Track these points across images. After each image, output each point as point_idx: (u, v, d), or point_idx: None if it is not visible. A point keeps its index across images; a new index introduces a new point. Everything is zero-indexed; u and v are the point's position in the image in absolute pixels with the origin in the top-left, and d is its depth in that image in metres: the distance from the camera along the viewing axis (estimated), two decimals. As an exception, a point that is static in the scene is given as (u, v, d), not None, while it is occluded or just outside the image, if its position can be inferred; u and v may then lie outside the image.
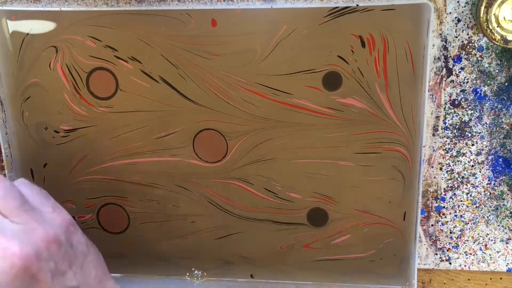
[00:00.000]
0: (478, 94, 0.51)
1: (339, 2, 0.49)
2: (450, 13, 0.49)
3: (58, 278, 0.42)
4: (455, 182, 0.54)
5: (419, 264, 0.56)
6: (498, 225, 0.55)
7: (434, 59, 0.50)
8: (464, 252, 0.56)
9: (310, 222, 0.55)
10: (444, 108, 0.52)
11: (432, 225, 0.55)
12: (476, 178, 0.54)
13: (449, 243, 0.56)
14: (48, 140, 0.55)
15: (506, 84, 0.51)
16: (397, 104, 0.50)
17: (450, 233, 0.55)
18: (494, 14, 0.47)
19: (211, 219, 0.56)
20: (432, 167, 0.54)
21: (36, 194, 0.45)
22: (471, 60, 0.50)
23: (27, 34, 0.52)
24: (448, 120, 0.52)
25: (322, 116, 0.52)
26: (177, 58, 0.51)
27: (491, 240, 0.55)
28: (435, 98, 0.52)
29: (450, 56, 0.50)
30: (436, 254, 0.56)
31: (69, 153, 0.56)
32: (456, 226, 0.55)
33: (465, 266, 0.56)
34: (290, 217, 0.55)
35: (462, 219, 0.55)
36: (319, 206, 0.54)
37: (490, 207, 0.54)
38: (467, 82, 0.51)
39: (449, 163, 0.53)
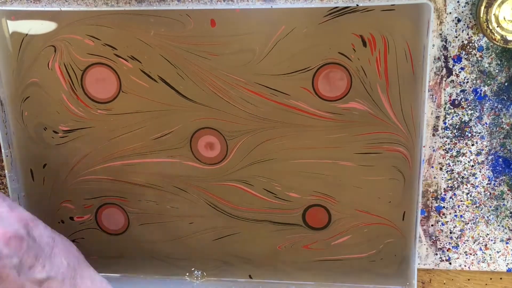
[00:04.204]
0: (478, 94, 0.51)
1: (339, 2, 0.49)
2: (450, 13, 0.49)
3: (26, 273, 0.42)
4: (455, 182, 0.54)
5: (419, 264, 0.56)
6: (498, 225, 0.55)
7: (434, 59, 0.50)
8: (464, 252, 0.56)
9: (310, 224, 0.55)
10: (444, 108, 0.52)
11: (432, 225, 0.55)
12: (476, 178, 0.53)
13: (449, 243, 0.56)
14: (47, 140, 0.55)
15: (506, 84, 0.51)
16: (397, 105, 0.50)
17: (450, 233, 0.55)
18: (494, 14, 0.47)
19: (209, 220, 0.56)
20: (432, 167, 0.54)
21: None
22: (471, 60, 0.50)
23: (27, 34, 0.52)
24: (448, 120, 0.52)
25: (321, 119, 0.52)
26: (176, 58, 0.51)
27: (491, 240, 0.55)
28: (435, 98, 0.52)
29: (450, 56, 0.50)
30: (436, 254, 0.56)
31: (68, 154, 0.56)
32: (456, 226, 0.55)
33: (465, 266, 0.56)
34: (289, 218, 0.55)
35: (462, 219, 0.55)
36: (321, 207, 0.54)
37: (490, 207, 0.54)
38: (467, 82, 0.51)
39: (449, 163, 0.53)
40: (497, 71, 0.50)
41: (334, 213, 0.54)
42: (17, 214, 0.45)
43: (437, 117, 0.52)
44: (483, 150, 0.53)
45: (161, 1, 0.51)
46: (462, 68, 0.50)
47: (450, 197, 0.54)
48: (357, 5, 0.48)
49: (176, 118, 0.53)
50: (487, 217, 0.54)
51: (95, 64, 0.53)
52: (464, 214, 0.55)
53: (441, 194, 0.54)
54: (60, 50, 0.52)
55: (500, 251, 0.55)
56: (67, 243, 0.48)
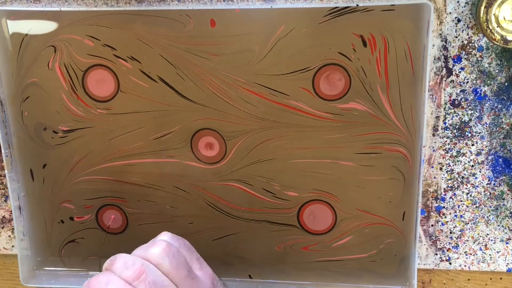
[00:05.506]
0: (478, 94, 0.51)
1: (339, 2, 0.49)
2: (450, 13, 0.49)
3: None
4: (455, 182, 0.54)
5: (419, 264, 0.56)
6: (498, 225, 0.55)
7: (434, 59, 0.50)
8: (464, 252, 0.56)
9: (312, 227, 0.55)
10: (444, 108, 0.52)
11: (432, 225, 0.55)
12: (476, 178, 0.53)
13: (449, 243, 0.56)
14: (47, 140, 0.55)
15: (506, 84, 0.51)
16: (397, 105, 0.50)
17: (450, 233, 0.55)
18: (494, 14, 0.47)
19: (209, 220, 0.56)
20: (432, 167, 0.54)
21: (183, 249, 0.45)
22: (471, 60, 0.50)
23: (27, 34, 0.52)
24: (448, 120, 0.52)
25: (321, 120, 0.52)
26: (176, 58, 0.51)
27: (491, 240, 0.55)
28: (435, 98, 0.52)
29: (450, 56, 0.50)
30: (436, 254, 0.56)
31: (68, 154, 0.56)
32: (456, 226, 0.55)
33: (465, 266, 0.56)
34: (286, 218, 0.55)
35: (462, 219, 0.55)
36: (327, 206, 0.54)
37: (490, 207, 0.54)
38: (467, 82, 0.51)
39: (449, 163, 0.53)
40: (497, 71, 0.50)
41: (340, 213, 0.54)
42: (207, 275, 0.45)
43: (437, 117, 0.52)
44: (483, 150, 0.53)
45: (161, 1, 0.51)
46: (462, 68, 0.50)
47: (450, 197, 0.54)
48: (357, 5, 0.48)
49: (176, 118, 0.53)
50: (487, 217, 0.54)
51: (95, 66, 0.53)
52: (464, 214, 0.55)
53: (441, 194, 0.54)
54: (60, 50, 0.52)
55: (500, 251, 0.55)
56: None
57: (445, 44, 0.50)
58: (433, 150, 0.53)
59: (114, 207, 0.57)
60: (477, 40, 0.49)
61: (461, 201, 0.54)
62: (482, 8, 0.47)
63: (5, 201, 0.60)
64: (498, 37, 0.47)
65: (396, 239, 0.54)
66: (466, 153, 0.53)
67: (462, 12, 0.49)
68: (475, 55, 0.50)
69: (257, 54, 0.50)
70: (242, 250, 0.57)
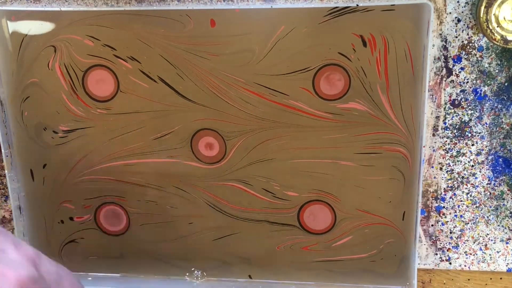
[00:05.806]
0: (478, 94, 0.51)
1: (339, 2, 0.49)
2: (450, 13, 0.49)
3: None
4: (455, 182, 0.54)
5: (419, 264, 0.56)
6: (498, 225, 0.55)
7: (434, 59, 0.50)
8: (464, 252, 0.56)
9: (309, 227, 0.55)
10: (444, 108, 0.52)
11: (432, 225, 0.55)
12: (476, 178, 0.53)
13: (449, 243, 0.56)
14: (47, 140, 0.55)
15: (506, 84, 0.51)
16: (397, 105, 0.50)
17: (450, 233, 0.55)
18: (494, 14, 0.47)
19: (209, 220, 0.56)
20: (432, 167, 0.54)
21: None
22: (471, 60, 0.50)
23: (27, 34, 0.52)
24: (448, 120, 0.52)
25: (321, 120, 0.51)
26: (176, 58, 0.51)
27: (491, 240, 0.55)
28: (435, 98, 0.52)
29: (450, 56, 0.50)
30: (436, 254, 0.56)
31: (68, 154, 0.56)
32: (456, 226, 0.55)
33: (465, 266, 0.56)
34: (286, 218, 0.55)
35: (462, 219, 0.55)
36: (326, 206, 0.54)
37: (490, 207, 0.54)
38: (467, 82, 0.51)
39: (449, 163, 0.53)
40: (497, 71, 0.50)
41: (339, 213, 0.54)
42: (24, 252, 0.42)
43: (437, 117, 0.52)
44: (483, 150, 0.53)
45: (161, 1, 0.51)
46: (462, 68, 0.50)
47: (450, 197, 0.54)
48: (357, 5, 0.48)
49: (176, 118, 0.53)
50: (487, 217, 0.54)
51: (95, 66, 0.53)
52: (464, 214, 0.55)
53: (441, 194, 0.54)
54: (60, 50, 0.52)
55: (500, 251, 0.55)
56: (70, 277, 0.45)
57: (445, 44, 0.50)
58: (433, 150, 0.53)
59: (114, 207, 0.57)
60: (477, 40, 0.49)
61: (461, 201, 0.54)
62: (482, 8, 0.47)
63: (5, 201, 0.60)
64: (498, 37, 0.47)
65: (396, 239, 0.54)
66: (466, 153, 0.53)
67: (462, 12, 0.49)
68: (475, 55, 0.50)
69: (257, 54, 0.50)
70: (242, 250, 0.57)
